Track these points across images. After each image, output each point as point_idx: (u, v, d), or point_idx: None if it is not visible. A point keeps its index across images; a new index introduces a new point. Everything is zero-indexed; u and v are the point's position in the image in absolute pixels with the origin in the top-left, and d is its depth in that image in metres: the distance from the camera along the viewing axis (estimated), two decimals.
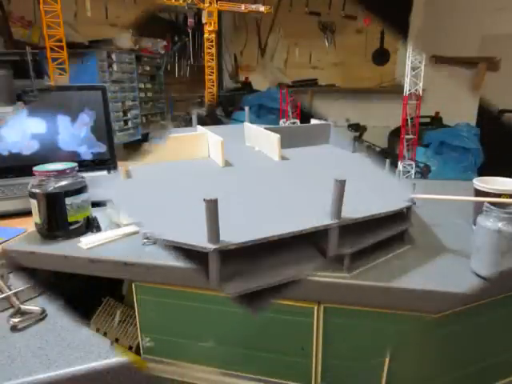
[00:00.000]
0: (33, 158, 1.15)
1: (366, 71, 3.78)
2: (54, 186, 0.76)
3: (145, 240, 0.76)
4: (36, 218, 0.79)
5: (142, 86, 2.44)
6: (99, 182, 0.76)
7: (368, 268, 0.64)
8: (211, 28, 1.47)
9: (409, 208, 0.71)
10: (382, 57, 3.69)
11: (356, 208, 0.62)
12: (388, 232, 0.67)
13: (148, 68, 2.52)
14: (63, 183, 0.77)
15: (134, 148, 2.55)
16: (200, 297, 0.69)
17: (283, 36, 3.89)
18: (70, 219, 0.79)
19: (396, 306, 0.61)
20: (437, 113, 3.57)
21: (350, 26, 3.72)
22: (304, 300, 0.64)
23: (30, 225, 0.83)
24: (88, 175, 0.88)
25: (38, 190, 0.76)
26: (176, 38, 3.01)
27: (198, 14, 3.01)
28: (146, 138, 2.60)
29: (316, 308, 0.64)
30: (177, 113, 3.15)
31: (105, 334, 1.03)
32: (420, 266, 0.64)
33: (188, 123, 2.85)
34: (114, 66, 2.10)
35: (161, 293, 0.71)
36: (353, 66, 3.83)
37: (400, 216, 0.72)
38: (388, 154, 3.21)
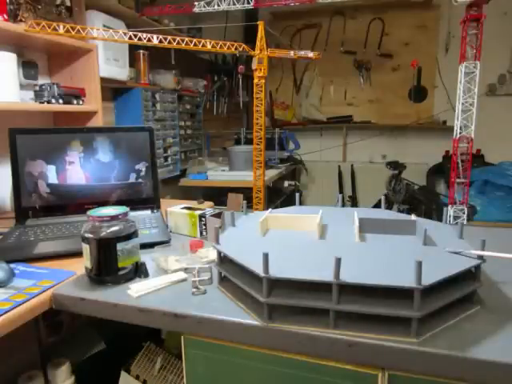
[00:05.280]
0: (82, 197, 1.18)
1: (402, 108, 3.75)
2: (106, 231, 0.77)
3: (194, 290, 0.74)
4: (87, 262, 0.79)
5: (182, 123, 2.50)
6: None
7: (437, 333, 0.59)
8: (261, 74, 1.50)
9: (477, 267, 0.66)
10: (418, 94, 3.65)
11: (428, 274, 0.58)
12: (457, 293, 0.62)
13: (188, 106, 2.60)
14: (115, 228, 0.77)
15: (172, 183, 2.59)
16: (256, 355, 0.65)
17: (318, 74, 3.94)
18: (120, 265, 0.79)
19: (472, 378, 0.55)
20: (478, 150, 3.46)
21: (385, 63, 3.73)
22: (367, 365, 0.59)
23: (77, 265, 0.83)
24: (131, 214, 0.87)
25: (90, 235, 0.77)
26: (215, 78, 3.11)
27: (236, 57, 3.12)
28: (183, 173, 2.64)
29: (380, 375, 0.59)
30: (213, 149, 3.21)
31: (144, 382, 1.00)
32: (494, 332, 0.59)
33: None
34: (158, 106, 2.17)
35: (212, 347, 0.68)
36: (388, 103, 3.81)
37: (468, 275, 0.67)
38: (428, 193, 3.11)
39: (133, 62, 2.09)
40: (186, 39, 1.44)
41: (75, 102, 1.54)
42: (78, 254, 0.84)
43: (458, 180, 1.23)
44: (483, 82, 3.43)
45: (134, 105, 2.01)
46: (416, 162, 3.60)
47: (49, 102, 1.45)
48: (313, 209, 0.96)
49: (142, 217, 1.18)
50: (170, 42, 1.41)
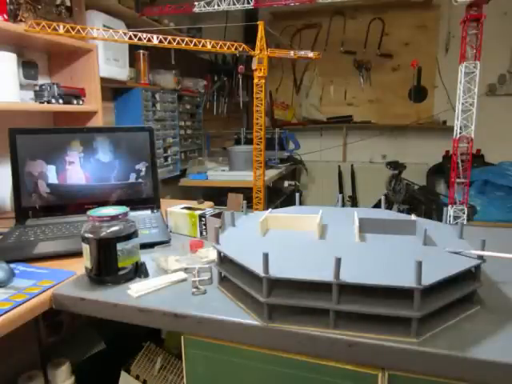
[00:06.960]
0: (82, 197, 1.18)
1: (402, 108, 3.75)
2: (106, 231, 0.77)
3: (194, 289, 0.74)
4: (87, 262, 0.79)
5: (182, 123, 2.50)
6: None
7: (437, 333, 0.59)
8: (261, 74, 1.50)
9: (477, 267, 0.66)
10: (418, 94, 3.65)
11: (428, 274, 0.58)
12: (457, 293, 0.62)
13: (188, 106, 2.60)
14: (115, 228, 0.77)
15: (172, 183, 2.59)
16: (256, 355, 0.65)
17: (318, 74, 3.94)
18: (120, 265, 0.78)
19: (472, 378, 0.55)
20: (478, 150, 3.46)
21: (385, 63, 3.73)
22: (367, 365, 0.59)
23: (77, 265, 0.83)
24: (131, 214, 0.87)
25: (90, 235, 0.77)
26: (215, 78, 3.11)
27: (236, 57, 3.12)
28: (183, 173, 2.64)
29: (380, 375, 0.59)
30: (213, 149, 3.21)
31: (144, 382, 1.00)
32: (494, 332, 0.59)
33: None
34: (158, 106, 2.17)
35: (212, 347, 0.68)
36: (388, 103, 3.81)
37: (468, 275, 0.67)
38: (428, 193, 3.11)
39: (133, 62, 2.09)
40: (186, 39, 1.44)
41: (75, 101, 1.54)
42: (78, 253, 0.84)
43: (458, 180, 1.23)
44: (483, 82, 3.43)
45: (133, 105, 2.01)
46: (416, 162, 3.60)
47: (49, 102, 1.45)
48: (313, 209, 0.96)
49: (141, 217, 1.18)
50: (170, 42, 1.41)
